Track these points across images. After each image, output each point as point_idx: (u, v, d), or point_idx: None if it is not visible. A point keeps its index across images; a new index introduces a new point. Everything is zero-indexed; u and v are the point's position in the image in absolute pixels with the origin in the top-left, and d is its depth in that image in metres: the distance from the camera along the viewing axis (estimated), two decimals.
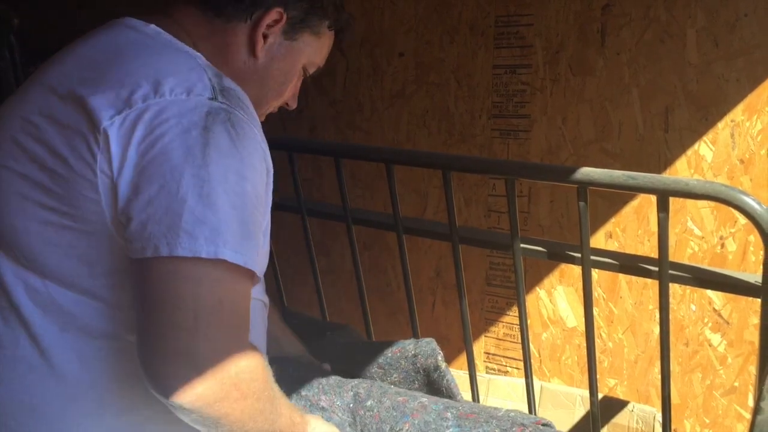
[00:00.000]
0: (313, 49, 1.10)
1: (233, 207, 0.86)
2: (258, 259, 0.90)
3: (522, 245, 1.47)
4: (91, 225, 0.88)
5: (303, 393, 1.28)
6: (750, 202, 1.15)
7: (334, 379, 1.30)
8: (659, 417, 1.97)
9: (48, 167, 0.88)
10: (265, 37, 1.03)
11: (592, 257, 1.38)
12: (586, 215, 1.34)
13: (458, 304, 2.50)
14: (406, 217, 1.64)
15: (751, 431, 1.04)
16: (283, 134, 2.72)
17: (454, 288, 2.52)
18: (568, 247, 1.44)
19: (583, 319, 2.26)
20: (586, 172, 1.28)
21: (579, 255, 1.38)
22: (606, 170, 1.28)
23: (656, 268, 1.30)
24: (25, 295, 0.91)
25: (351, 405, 1.25)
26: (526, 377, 1.60)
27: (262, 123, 1.06)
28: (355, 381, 1.29)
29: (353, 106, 2.61)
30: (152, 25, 0.98)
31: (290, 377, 1.29)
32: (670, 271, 1.30)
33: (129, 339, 0.89)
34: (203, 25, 1.02)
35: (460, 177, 2.33)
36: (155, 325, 0.83)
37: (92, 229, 0.88)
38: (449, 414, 1.19)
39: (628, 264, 1.38)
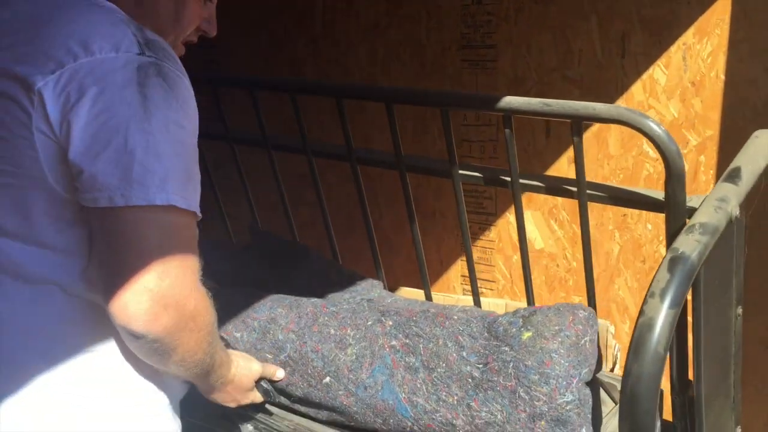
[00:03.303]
0: None
1: (176, 155, 0.94)
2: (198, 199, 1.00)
3: (461, 171, 1.56)
4: (33, 180, 0.95)
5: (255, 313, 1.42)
6: (650, 124, 1.23)
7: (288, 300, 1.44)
8: (612, 329, 2.10)
9: None
10: None
11: (521, 181, 1.48)
12: (512, 142, 1.44)
13: (435, 230, 2.63)
14: (359, 148, 1.75)
15: (633, 334, 1.11)
16: (271, 75, 2.81)
17: (431, 216, 2.64)
18: (501, 172, 1.54)
19: (550, 241, 2.37)
20: (508, 100, 1.37)
21: (509, 179, 1.48)
22: (525, 98, 1.36)
23: (575, 189, 1.40)
24: None
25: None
26: (474, 295, 1.73)
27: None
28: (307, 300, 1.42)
29: (330, 42, 2.68)
30: None
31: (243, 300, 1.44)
32: (588, 191, 1.39)
33: (71, 282, 0.99)
34: None
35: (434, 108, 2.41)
36: (121, 267, 0.92)
37: (34, 184, 0.95)
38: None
39: (553, 186, 1.47)
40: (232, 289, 1.53)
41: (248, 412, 1.38)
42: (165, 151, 0.93)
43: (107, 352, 1.04)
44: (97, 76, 0.91)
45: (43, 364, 1.01)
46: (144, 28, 0.99)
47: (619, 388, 1.16)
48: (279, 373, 1.32)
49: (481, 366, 1.20)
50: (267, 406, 1.37)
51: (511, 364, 1.17)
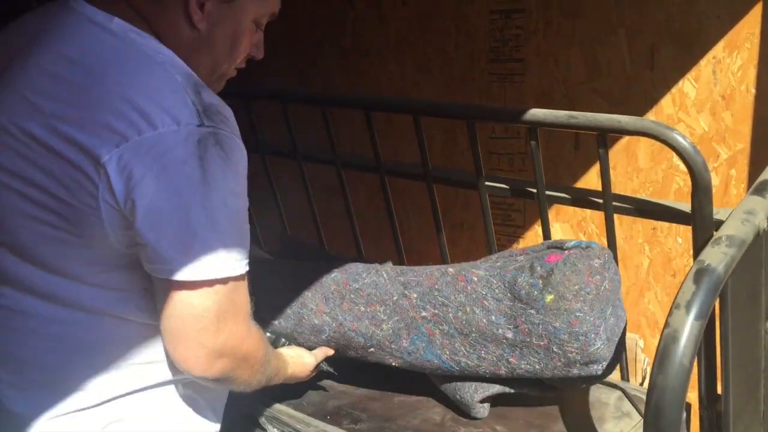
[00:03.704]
0: (258, 3, 1.09)
1: (233, 226, 1.00)
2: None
3: (487, 183, 1.58)
4: (94, 239, 0.99)
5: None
6: (676, 136, 1.23)
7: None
8: (641, 343, 2.08)
9: (51, 192, 0.97)
10: (202, 6, 1.04)
11: (548, 192, 1.48)
12: (538, 154, 1.45)
13: (462, 242, 2.64)
14: (388, 161, 1.77)
15: (658, 345, 1.11)
16: (302, 87, 2.86)
17: (459, 227, 2.65)
18: (527, 183, 1.55)
19: None
20: (534, 113, 1.38)
21: (535, 191, 1.49)
22: (550, 111, 1.37)
23: (601, 200, 1.40)
24: (45, 287, 1.05)
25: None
26: None
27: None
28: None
29: (361, 56, 2.72)
30: (116, 19, 1.00)
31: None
32: (614, 203, 1.40)
33: (126, 312, 1.07)
34: (149, 6, 1.03)
35: (462, 121, 2.43)
36: (179, 327, 1.00)
37: (95, 243, 1.00)
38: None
39: (579, 197, 1.48)
40: (268, 268, 1.55)
41: (274, 414, 1.42)
42: (223, 226, 0.98)
43: (156, 362, 1.10)
44: (159, 152, 0.94)
45: (96, 377, 1.08)
46: (201, 89, 0.99)
47: None
48: (330, 351, 1.42)
49: (511, 327, 1.26)
50: (293, 411, 1.42)
51: (540, 327, 1.24)
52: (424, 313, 1.32)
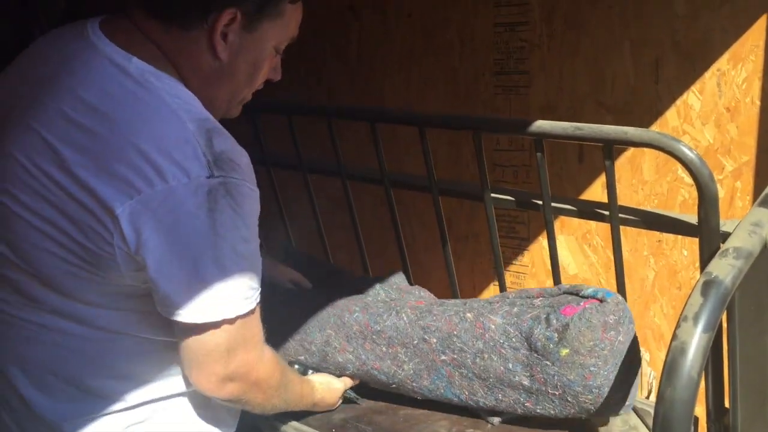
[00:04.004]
0: (279, 30, 1.10)
1: (242, 271, 1.02)
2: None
3: (493, 195, 1.58)
4: (111, 276, 1.03)
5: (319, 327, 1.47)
6: (682, 148, 1.23)
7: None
8: (647, 356, 2.07)
9: (72, 236, 1.00)
10: (225, 36, 1.04)
11: (554, 204, 1.49)
12: (544, 165, 1.45)
13: (467, 254, 2.64)
14: (393, 172, 1.77)
15: (666, 358, 1.11)
16: (307, 101, 2.87)
17: (464, 240, 2.65)
18: (533, 195, 1.55)
19: (583, 267, 2.36)
20: (540, 124, 1.39)
21: (540, 203, 1.49)
22: (556, 122, 1.38)
23: (607, 212, 1.40)
24: (74, 312, 1.08)
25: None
26: None
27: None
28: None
29: (366, 69, 2.72)
30: (134, 59, 1.01)
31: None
32: (620, 215, 1.39)
33: (139, 331, 1.10)
34: (167, 37, 1.04)
35: (467, 133, 2.43)
36: (192, 358, 1.05)
37: (113, 281, 1.03)
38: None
39: (585, 209, 1.48)
40: (279, 304, 1.55)
41: (279, 426, 1.43)
42: (233, 272, 1.00)
43: (177, 374, 1.13)
44: (170, 205, 0.96)
45: (119, 386, 1.12)
46: (213, 136, 1.00)
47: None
48: (356, 380, 1.46)
49: (527, 375, 1.30)
50: (297, 424, 1.43)
51: (555, 377, 1.27)
52: (443, 357, 1.36)
